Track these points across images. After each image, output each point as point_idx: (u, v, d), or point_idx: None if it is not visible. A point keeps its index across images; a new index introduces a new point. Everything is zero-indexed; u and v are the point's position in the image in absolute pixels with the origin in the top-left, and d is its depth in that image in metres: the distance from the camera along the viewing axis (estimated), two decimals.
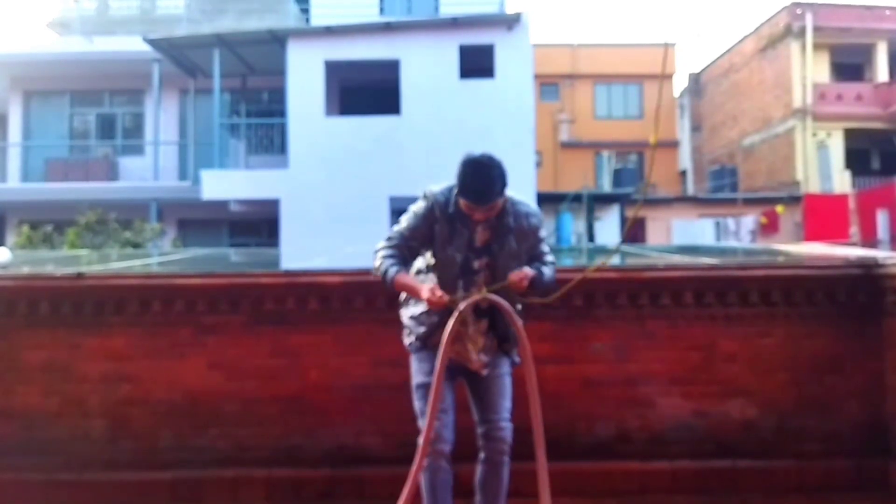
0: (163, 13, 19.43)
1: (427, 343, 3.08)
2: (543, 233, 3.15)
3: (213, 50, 15.63)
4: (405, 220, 3.07)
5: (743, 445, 4.14)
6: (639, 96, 26.24)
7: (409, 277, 3.03)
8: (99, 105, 18.25)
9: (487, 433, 3.07)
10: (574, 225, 18.66)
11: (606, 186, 22.93)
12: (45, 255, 7.70)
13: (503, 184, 2.87)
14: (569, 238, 18.07)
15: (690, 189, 27.67)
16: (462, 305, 2.89)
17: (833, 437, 4.16)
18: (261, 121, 17.12)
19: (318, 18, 17.00)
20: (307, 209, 14.75)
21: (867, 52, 23.95)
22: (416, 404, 3.11)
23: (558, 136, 26.02)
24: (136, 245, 12.18)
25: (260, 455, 4.10)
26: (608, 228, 18.96)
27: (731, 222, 20.93)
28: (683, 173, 28.59)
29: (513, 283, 2.93)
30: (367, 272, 3.28)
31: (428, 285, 2.93)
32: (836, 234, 18.23)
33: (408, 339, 3.18)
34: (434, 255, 3.06)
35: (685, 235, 19.45)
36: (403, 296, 3.20)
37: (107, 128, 18.29)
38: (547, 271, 3.08)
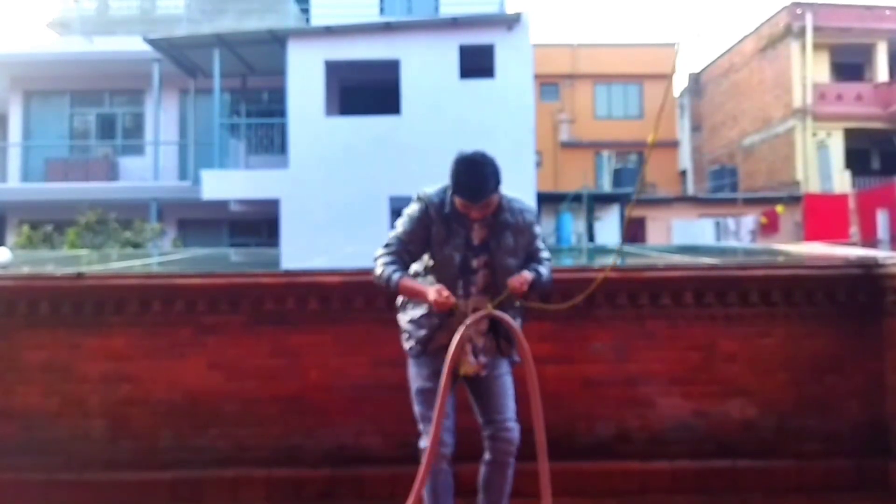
0: (163, 13, 19.45)
1: (427, 348, 3.07)
2: (538, 229, 3.15)
3: (213, 50, 15.64)
4: (401, 225, 3.06)
5: (743, 445, 4.14)
6: (639, 96, 26.23)
7: (413, 281, 3.02)
8: (99, 105, 18.25)
9: (494, 434, 3.05)
10: (574, 225, 18.67)
11: (606, 186, 22.96)
12: (45, 255, 7.69)
13: (497, 180, 2.87)
14: (569, 238, 18.08)
15: (690, 189, 27.67)
16: (469, 321, 2.89)
17: (833, 437, 4.16)
18: (261, 121, 17.13)
19: (318, 18, 17.00)
20: (307, 209, 14.75)
21: (867, 52, 23.95)
22: (417, 409, 3.10)
23: (558, 136, 26.01)
24: (136, 245, 12.18)
25: (260, 455, 4.10)
26: (608, 228, 18.98)
27: (731, 222, 20.92)
28: (683, 173, 28.60)
29: (514, 290, 2.93)
30: (367, 272, 3.27)
31: (435, 287, 2.91)
32: (836, 234, 18.22)
33: (408, 344, 3.15)
34: (432, 257, 3.04)
35: (685, 235, 19.44)
36: (400, 300, 3.18)
37: (107, 128, 18.30)
38: (544, 271, 3.07)
